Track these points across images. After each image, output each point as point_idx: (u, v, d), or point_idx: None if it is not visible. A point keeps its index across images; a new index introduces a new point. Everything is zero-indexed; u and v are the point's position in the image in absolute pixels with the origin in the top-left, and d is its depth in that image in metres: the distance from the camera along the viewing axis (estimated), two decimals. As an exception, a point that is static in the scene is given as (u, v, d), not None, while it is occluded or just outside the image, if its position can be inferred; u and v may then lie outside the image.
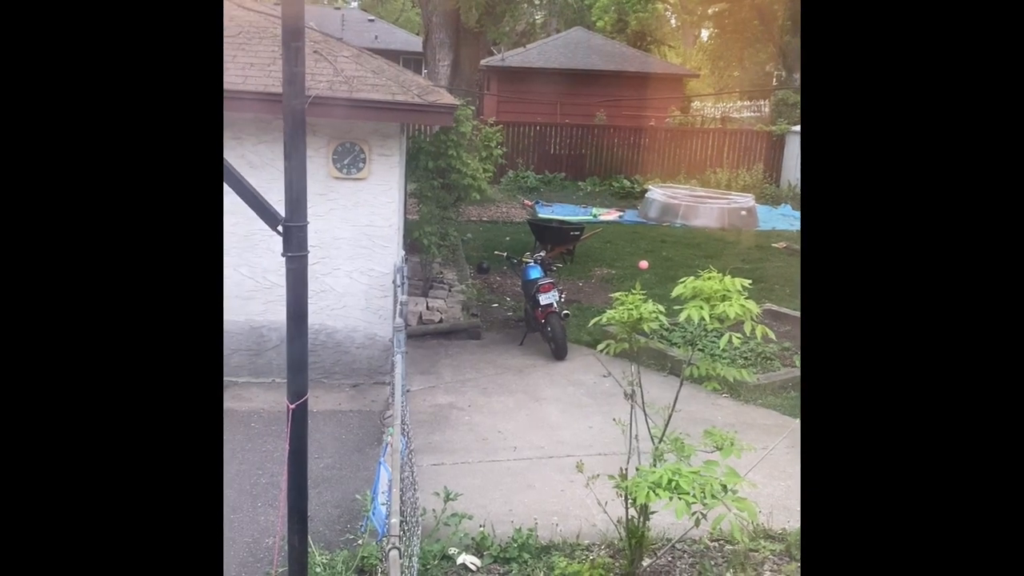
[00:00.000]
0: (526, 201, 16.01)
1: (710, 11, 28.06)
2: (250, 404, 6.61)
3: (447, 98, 7.02)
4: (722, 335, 3.89)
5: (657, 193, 15.84)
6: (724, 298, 3.79)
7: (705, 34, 33.61)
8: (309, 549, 4.27)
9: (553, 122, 19.39)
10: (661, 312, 4.14)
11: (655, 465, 3.98)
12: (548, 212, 14.89)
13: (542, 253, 9.08)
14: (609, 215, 15.35)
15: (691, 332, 7.72)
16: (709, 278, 3.88)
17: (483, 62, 19.41)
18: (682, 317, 3.84)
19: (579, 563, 4.51)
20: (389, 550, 3.03)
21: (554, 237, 11.31)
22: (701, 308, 3.78)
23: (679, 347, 7.79)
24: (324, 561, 4.46)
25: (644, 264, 11.34)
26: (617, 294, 4.30)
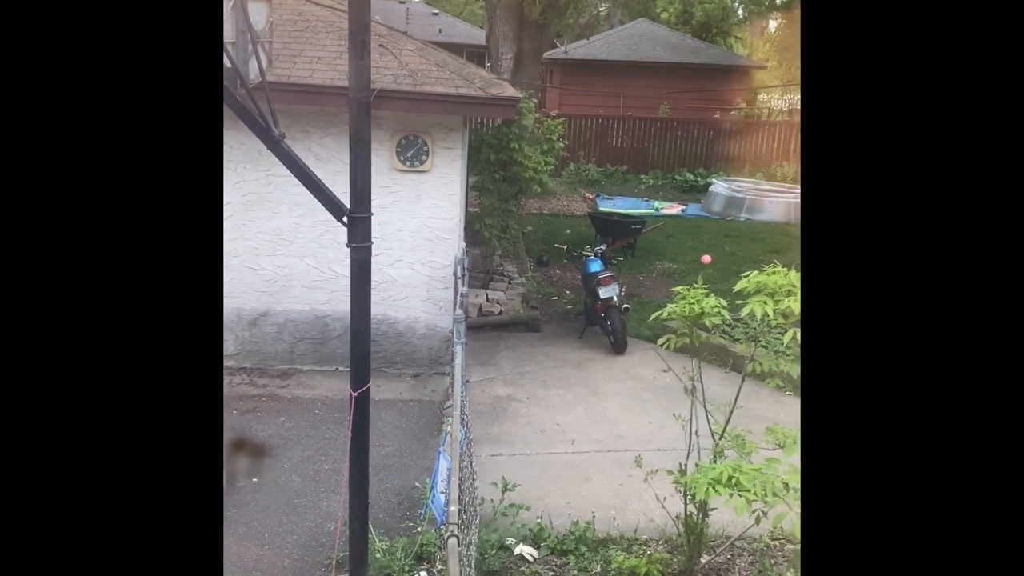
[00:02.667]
0: (587, 194, 15.93)
1: (778, 1, 27.39)
2: (314, 392, 6.77)
3: (510, 91, 7.04)
4: (786, 331, 3.81)
5: (721, 186, 15.56)
6: (789, 293, 3.71)
7: (773, 25, 32.81)
8: (369, 535, 4.35)
9: (616, 115, 19.22)
10: (723, 307, 4.08)
11: (715, 461, 3.93)
12: (609, 205, 14.78)
13: (603, 246, 9.01)
14: (671, 209, 15.16)
15: (754, 328, 7.58)
16: (773, 272, 3.81)
17: (546, 55, 19.35)
18: (745, 312, 3.78)
19: (637, 558, 4.49)
20: (448, 538, 3.07)
21: (615, 230, 11.20)
22: (765, 303, 3.71)
23: (741, 343, 7.66)
24: (384, 547, 4.55)
25: (707, 259, 11.17)
26: (679, 288, 4.25)
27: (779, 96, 27.23)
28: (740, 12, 31.39)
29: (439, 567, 4.38)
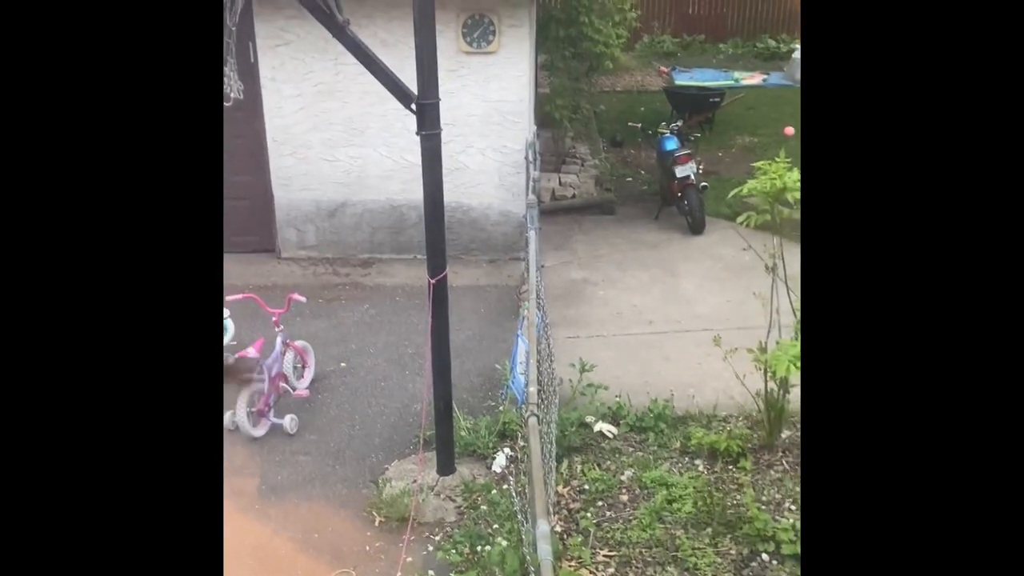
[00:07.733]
0: (662, 68, 15.27)
1: None
2: (394, 279, 6.94)
3: (577, -40, 6.68)
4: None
5: (806, 52, 14.67)
6: (879, 165, 3.52)
7: None
8: (454, 414, 4.54)
9: (691, -21, 18.09)
10: (807, 181, 3.91)
11: (797, 339, 3.89)
12: (686, 78, 14.15)
13: (679, 123, 8.70)
14: (752, 79, 14.41)
15: (839, 202, 7.29)
16: (862, 143, 3.61)
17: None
18: (830, 186, 3.62)
19: (716, 433, 4.56)
20: (528, 417, 3.17)
21: (692, 105, 10.79)
22: (852, 176, 3.54)
23: (826, 218, 7.40)
24: (468, 426, 4.74)
25: (790, 130, 10.67)
26: (760, 163, 4.09)
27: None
28: None
29: (521, 444, 4.55)
